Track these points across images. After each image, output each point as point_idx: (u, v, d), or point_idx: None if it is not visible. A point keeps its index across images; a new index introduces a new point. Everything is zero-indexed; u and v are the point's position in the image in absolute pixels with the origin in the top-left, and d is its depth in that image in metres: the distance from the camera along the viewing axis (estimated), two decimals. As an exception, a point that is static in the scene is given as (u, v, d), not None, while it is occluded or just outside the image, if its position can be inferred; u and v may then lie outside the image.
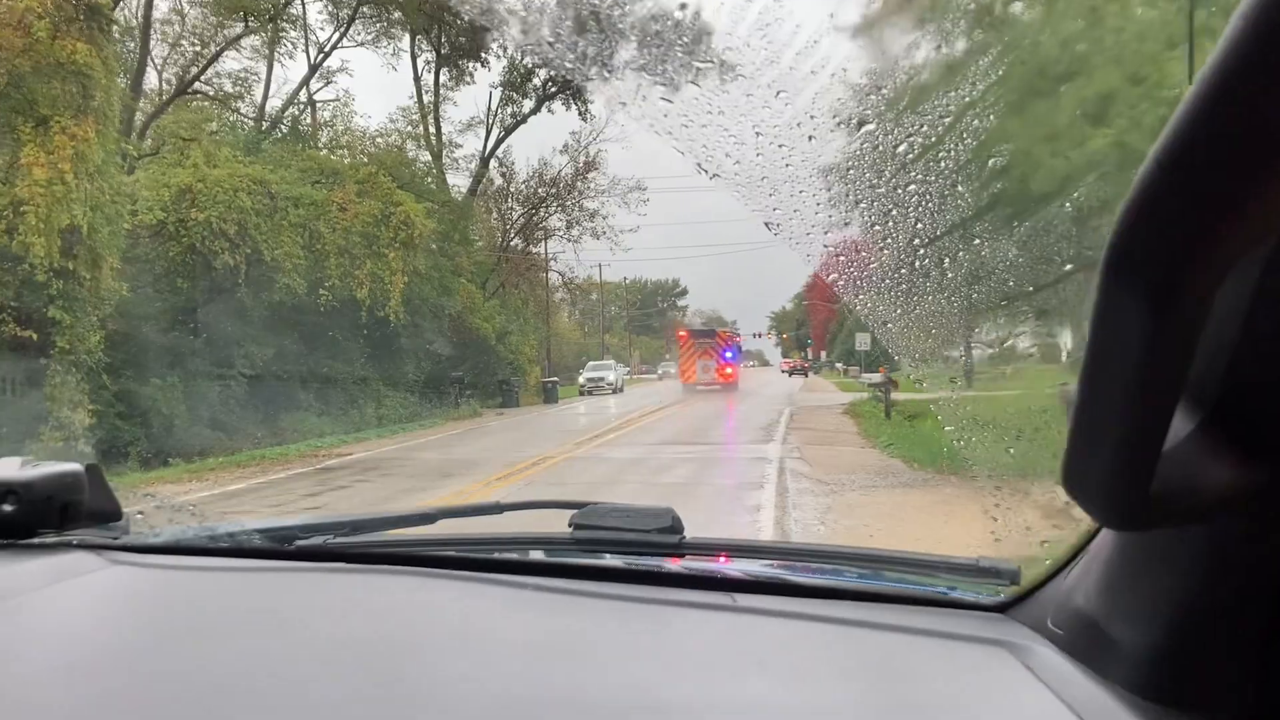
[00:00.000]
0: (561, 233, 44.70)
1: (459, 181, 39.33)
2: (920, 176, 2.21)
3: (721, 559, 1.47)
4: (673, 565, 1.39)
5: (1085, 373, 0.67)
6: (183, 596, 1.25)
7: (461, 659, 1.04)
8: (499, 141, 39.87)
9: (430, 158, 36.07)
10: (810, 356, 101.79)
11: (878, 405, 25.47)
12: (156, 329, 18.98)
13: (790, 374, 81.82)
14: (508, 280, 42.27)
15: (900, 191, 2.17)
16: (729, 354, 45.54)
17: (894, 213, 2.12)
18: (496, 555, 1.42)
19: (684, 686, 0.98)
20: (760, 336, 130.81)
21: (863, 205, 2.06)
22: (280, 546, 1.48)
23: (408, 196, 22.62)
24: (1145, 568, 0.89)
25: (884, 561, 1.46)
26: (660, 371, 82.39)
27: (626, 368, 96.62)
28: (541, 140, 44.01)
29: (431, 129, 36.49)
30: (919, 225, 2.17)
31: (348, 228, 20.47)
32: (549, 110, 39.00)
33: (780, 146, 1.92)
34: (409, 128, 31.75)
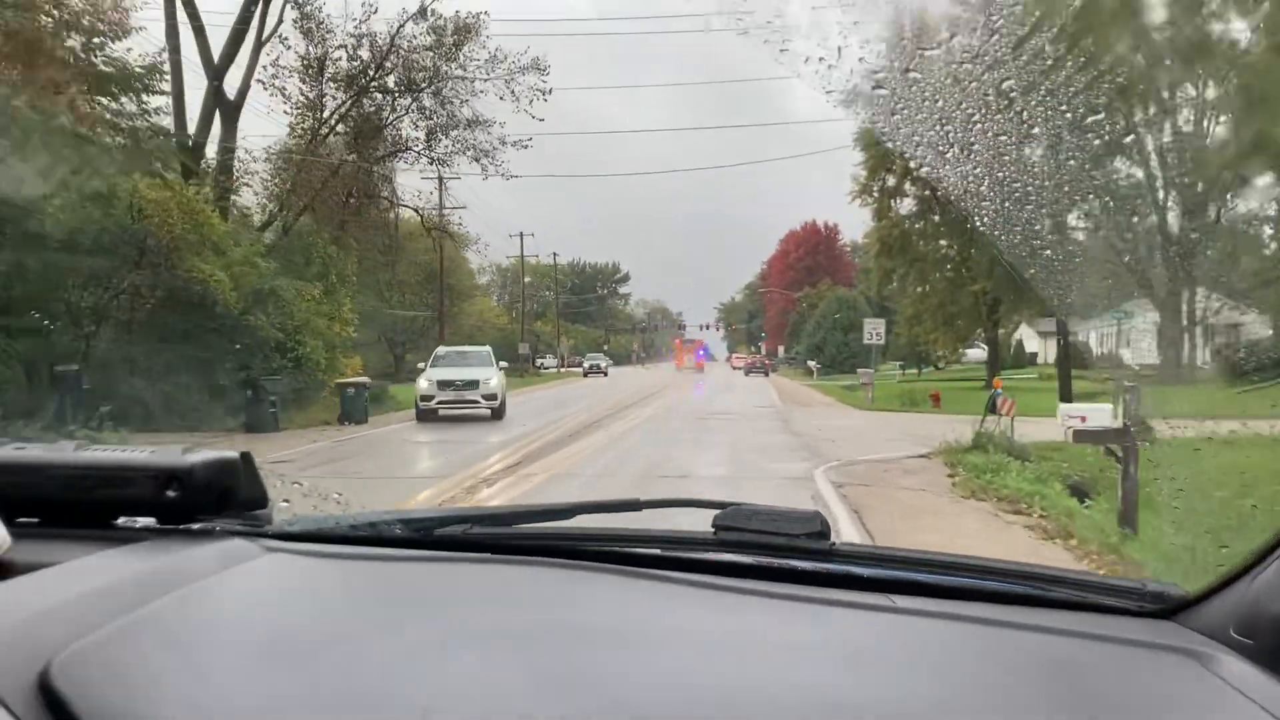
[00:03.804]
0: (419, 147, 28.21)
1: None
2: (1124, 169, 3.54)
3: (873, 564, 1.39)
4: (826, 567, 1.32)
5: None
6: (338, 584, 1.27)
7: (621, 652, 1.03)
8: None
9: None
10: (765, 351, 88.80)
11: (1046, 479, 10.30)
12: None
13: (748, 372, 68.14)
14: (317, 208, 25.61)
15: (1111, 181, 3.93)
16: (701, 353, 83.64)
17: (1110, 202, 3.94)
18: (642, 550, 1.38)
19: (858, 687, 0.96)
20: (707, 329, 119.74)
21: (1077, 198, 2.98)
22: (422, 536, 1.46)
23: None
24: None
25: (1042, 579, 1.33)
26: (588, 365, 65.87)
27: (555, 359, 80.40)
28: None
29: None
30: (1134, 219, 5.05)
31: None
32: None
33: (999, 137, 2.13)
34: None
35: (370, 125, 26.80)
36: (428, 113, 27.37)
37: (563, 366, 77.24)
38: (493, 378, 21.83)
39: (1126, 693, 0.96)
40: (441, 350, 25.31)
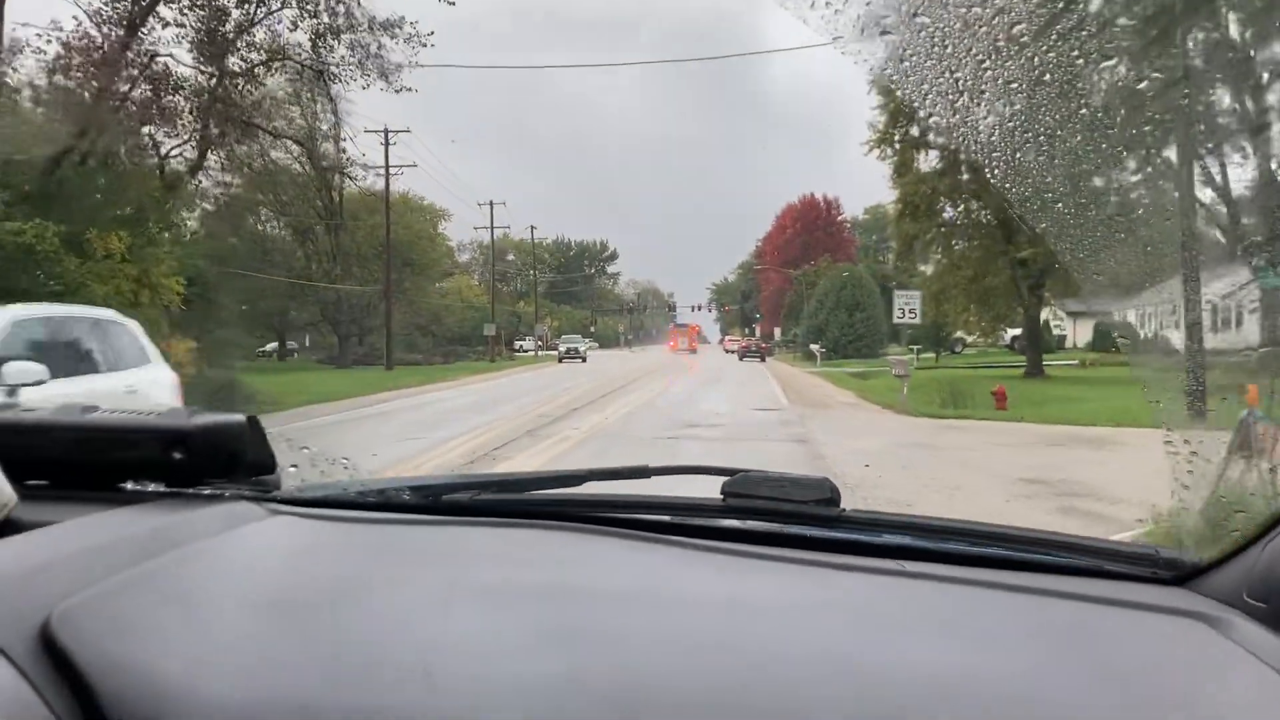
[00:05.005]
0: (305, 54, 20.86)
1: None
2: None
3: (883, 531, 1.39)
4: (836, 533, 1.31)
5: None
6: (343, 546, 1.26)
7: (626, 612, 1.02)
8: None
9: None
10: (760, 333, 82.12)
11: None
12: None
13: (742, 356, 60.98)
14: (144, 133, 18.32)
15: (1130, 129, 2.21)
16: (694, 337, 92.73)
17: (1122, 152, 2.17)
18: (651, 516, 1.37)
19: (866, 646, 0.96)
20: (699, 309, 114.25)
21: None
22: (430, 502, 1.45)
23: None
24: None
25: (1055, 545, 1.31)
26: (563, 349, 58.59)
27: (535, 341, 73.13)
28: None
29: None
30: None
31: None
32: None
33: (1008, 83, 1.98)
34: None
35: (223, 20, 19.41)
36: (311, 9, 20.06)
37: (541, 349, 70.33)
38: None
39: (1139, 655, 0.97)
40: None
